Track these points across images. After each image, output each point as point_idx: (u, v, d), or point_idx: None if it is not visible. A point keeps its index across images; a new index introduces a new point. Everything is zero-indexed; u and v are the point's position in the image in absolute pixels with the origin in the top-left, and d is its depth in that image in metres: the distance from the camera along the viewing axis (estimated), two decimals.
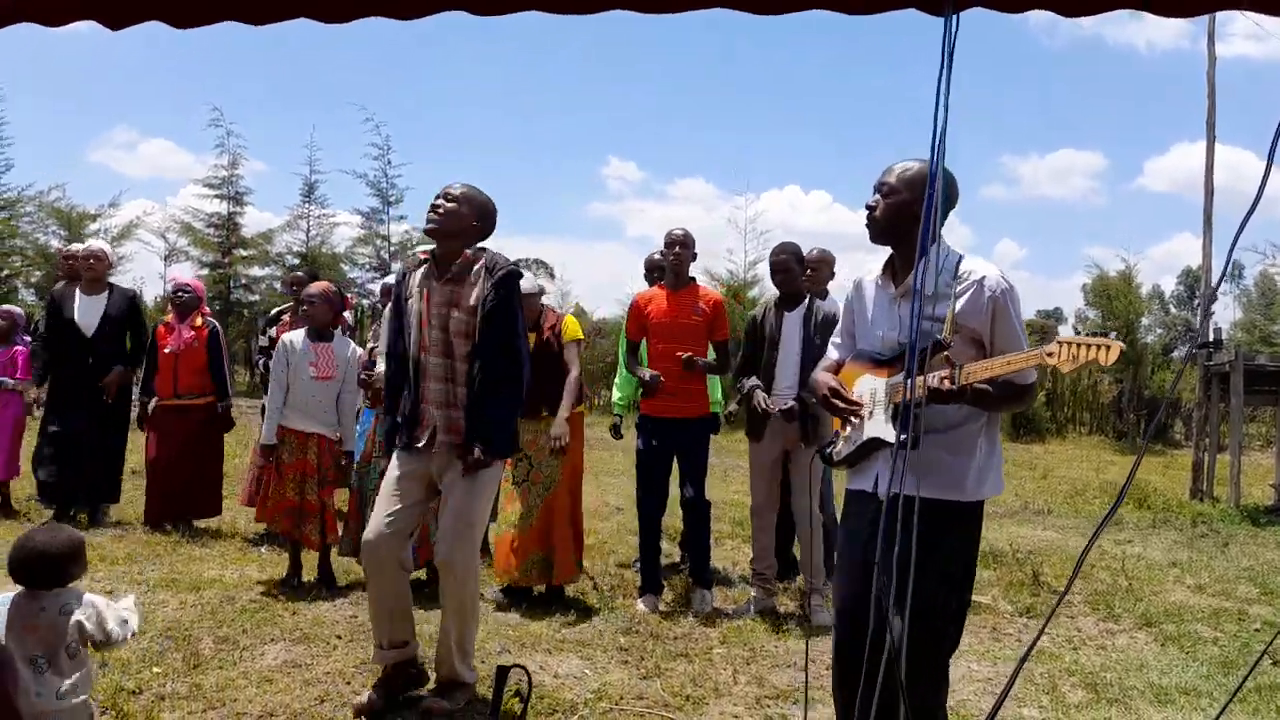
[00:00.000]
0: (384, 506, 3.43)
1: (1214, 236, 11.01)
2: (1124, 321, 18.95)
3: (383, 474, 4.90)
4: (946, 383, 2.30)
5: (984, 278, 2.48)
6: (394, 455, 3.54)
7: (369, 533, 3.44)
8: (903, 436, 2.44)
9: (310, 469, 4.95)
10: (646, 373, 4.89)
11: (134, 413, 6.54)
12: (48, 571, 2.47)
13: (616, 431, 6.05)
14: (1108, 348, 2.07)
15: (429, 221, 3.44)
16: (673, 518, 5.73)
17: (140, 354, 6.48)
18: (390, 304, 3.69)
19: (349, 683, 3.57)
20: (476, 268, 3.43)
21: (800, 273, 4.94)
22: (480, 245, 3.51)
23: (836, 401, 2.63)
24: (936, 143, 1.63)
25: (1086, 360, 2.09)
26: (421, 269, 3.52)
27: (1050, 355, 2.16)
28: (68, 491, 6.25)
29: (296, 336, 5.03)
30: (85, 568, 2.56)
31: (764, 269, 19.73)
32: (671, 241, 5.05)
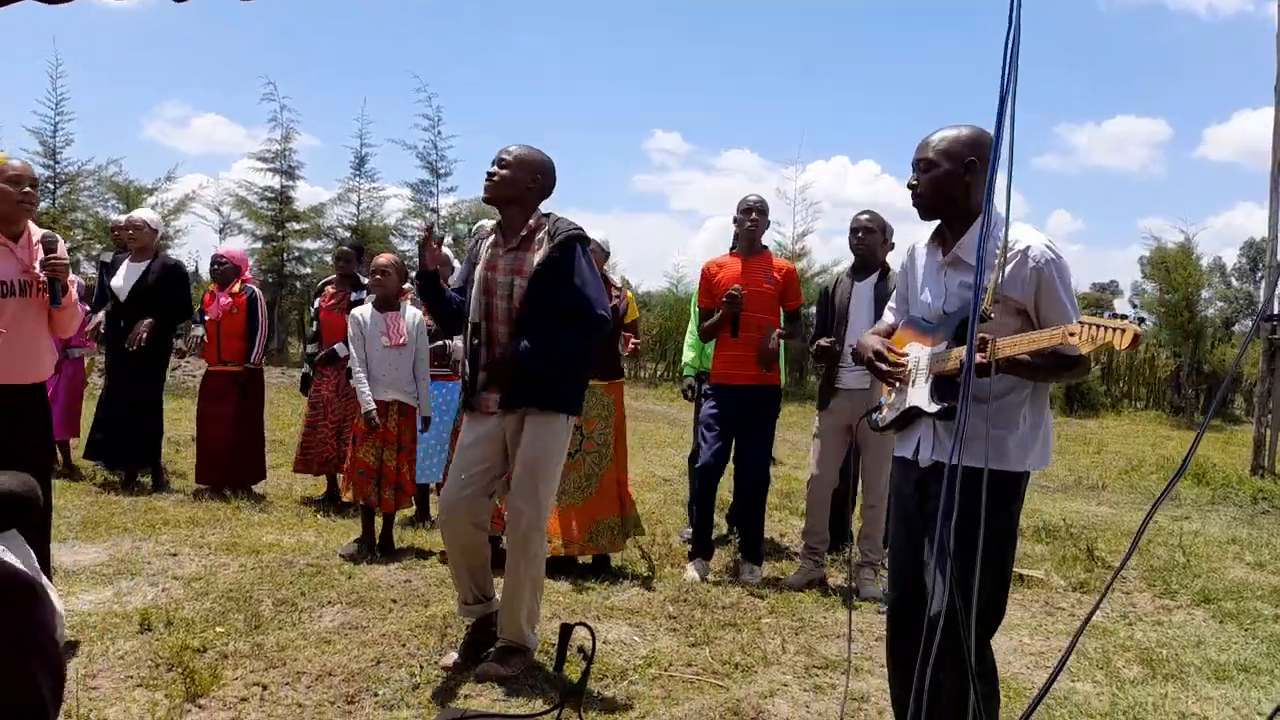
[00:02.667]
0: (458, 470, 3.51)
1: None
2: (1183, 294, 18.48)
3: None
4: (979, 356, 2.26)
5: (1028, 248, 2.42)
6: (465, 420, 3.61)
7: (445, 494, 3.53)
8: (937, 407, 2.45)
9: (390, 436, 5.06)
10: (726, 297, 4.83)
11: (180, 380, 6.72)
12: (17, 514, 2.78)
13: (689, 393, 6.00)
14: (1123, 331, 2.01)
15: (485, 189, 3.47)
16: (721, 489, 5.74)
17: (182, 319, 6.69)
18: (466, 260, 3.69)
19: (404, 645, 3.65)
20: (540, 235, 3.42)
21: (881, 240, 4.90)
22: (545, 212, 3.50)
23: (880, 365, 2.63)
24: (1008, 107, 1.60)
25: (1104, 342, 2.03)
26: (491, 237, 3.55)
27: (1072, 335, 2.10)
28: (106, 452, 6.45)
29: (366, 311, 5.14)
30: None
31: (812, 240, 19.58)
32: (748, 208, 5.02)
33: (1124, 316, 2.04)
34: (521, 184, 3.42)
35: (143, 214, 6.66)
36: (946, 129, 2.55)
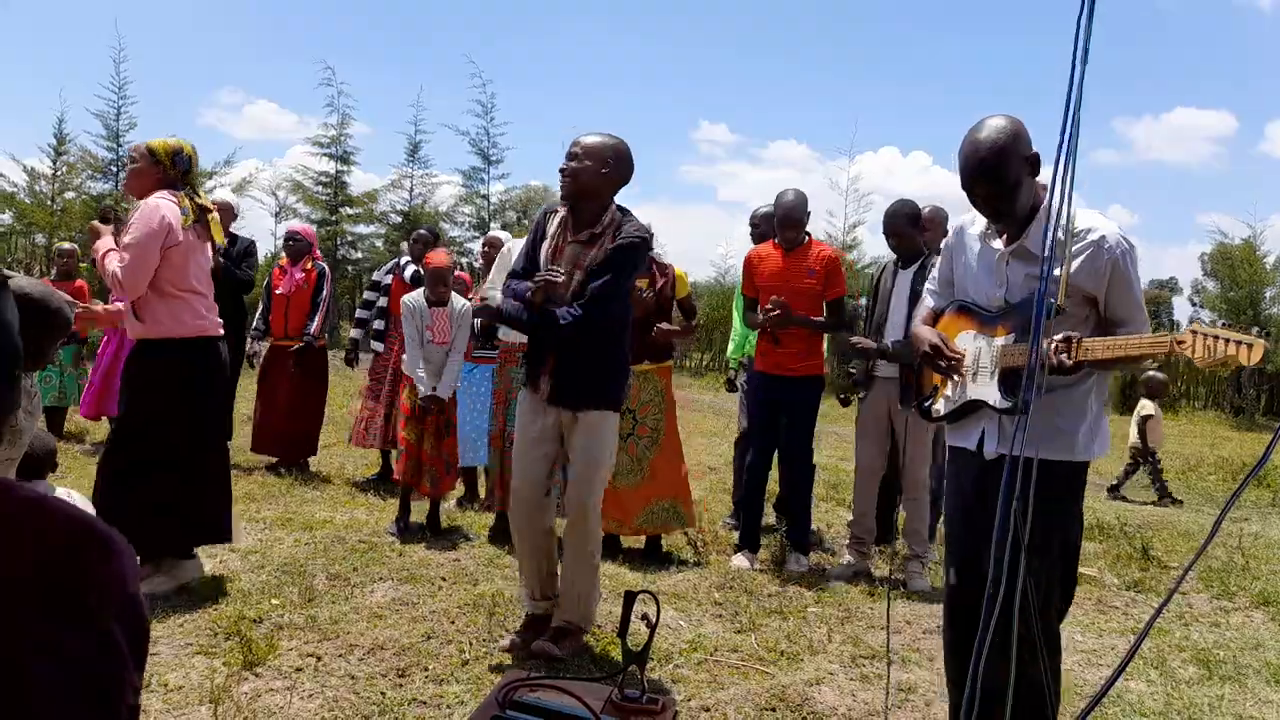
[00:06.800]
0: (522, 458, 3.53)
1: None
2: (1247, 292, 17.98)
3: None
4: (1064, 358, 2.19)
5: (1103, 236, 2.36)
6: (522, 401, 3.61)
7: (515, 484, 3.56)
8: (1007, 404, 2.39)
9: (427, 424, 5.13)
10: (761, 316, 4.81)
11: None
12: (35, 467, 3.06)
13: (732, 385, 6.07)
14: (1249, 346, 1.85)
15: (561, 188, 3.41)
16: (769, 479, 5.73)
17: (242, 290, 6.74)
18: (528, 238, 3.63)
19: (454, 622, 3.70)
20: (609, 231, 3.37)
21: (915, 233, 4.82)
22: (621, 207, 3.44)
23: (939, 360, 2.57)
24: (1074, 92, 1.56)
25: (1224, 356, 1.88)
26: (560, 214, 3.50)
27: (1182, 344, 1.98)
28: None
29: (419, 302, 5.19)
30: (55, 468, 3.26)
31: (863, 232, 19.38)
32: (787, 222, 4.85)
33: (1244, 329, 1.93)
34: (593, 174, 3.34)
35: (226, 196, 6.82)
36: (984, 135, 2.38)
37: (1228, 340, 1.89)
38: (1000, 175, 2.37)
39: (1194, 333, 1.97)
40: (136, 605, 0.90)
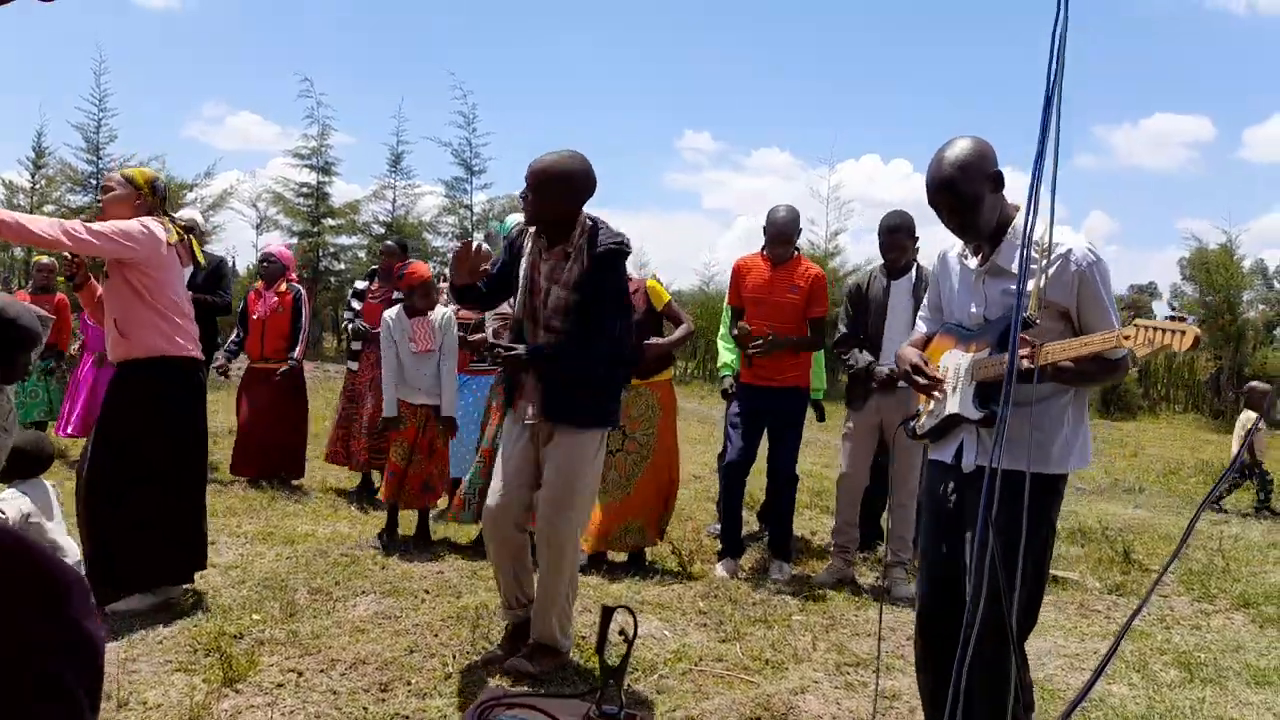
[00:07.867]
0: (500, 474, 3.50)
1: None
2: (1224, 297, 18.18)
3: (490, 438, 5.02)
4: (1025, 362, 2.25)
5: (1069, 250, 2.41)
6: (505, 419, 3.59)
7: (489, 499, 3.52)
8: (980, 414, 2.45)
9: (422, 440, 5.09)
10: (736, 328, 4.91)
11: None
12: (38, 466, 3.41)
13: (727, 395, 6.07)
14: (1182, 334, 1.99)
15: (524, 214, 3.42)
16: (752, 487, 5.73)
17: (225, 313, 6.80)
18: (501, 254, 3.61)
19: (437, 635, 3.68)
20: (580, 243, 3.34)
21: (911, 244, 4.89)
22: (592, 218, 3.40)
23: (918, 378, 2.63)
24: (1053, 111, 1.58)
25: (1161, 345, 2.02)
26: (533, 232, 3.47)
27: (1126, 338, 2.09)
28: None
29: (394, 314, 5.15)
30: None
31: (844, 239, 19.48)
32: (778, 239, 4.90)
33: (1181, 318, 2.03)
34: (553, 201, 3.31)
35: (190, 214, 6.78)
36: (948, 152, 2.47)
37: (1162, 330, 2.02)
38: (960, 190, 2.45)
39: (1137, 326, 2.08)
40: (93, 651, 0.86)
